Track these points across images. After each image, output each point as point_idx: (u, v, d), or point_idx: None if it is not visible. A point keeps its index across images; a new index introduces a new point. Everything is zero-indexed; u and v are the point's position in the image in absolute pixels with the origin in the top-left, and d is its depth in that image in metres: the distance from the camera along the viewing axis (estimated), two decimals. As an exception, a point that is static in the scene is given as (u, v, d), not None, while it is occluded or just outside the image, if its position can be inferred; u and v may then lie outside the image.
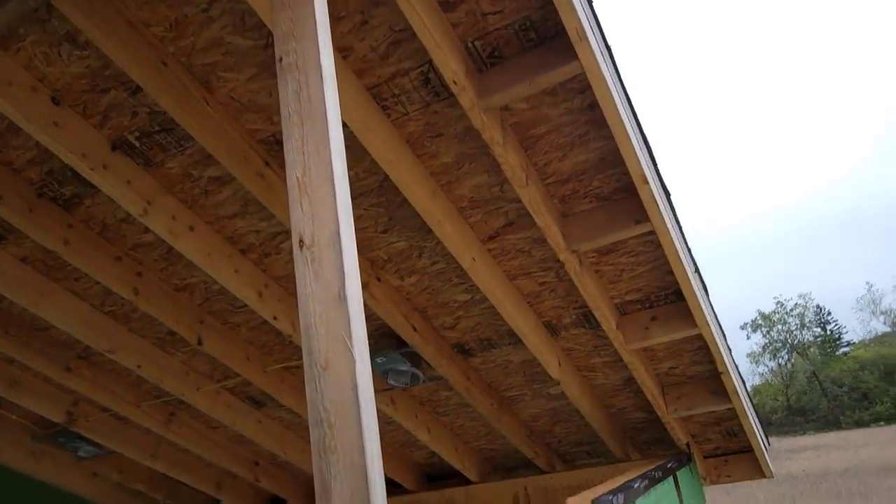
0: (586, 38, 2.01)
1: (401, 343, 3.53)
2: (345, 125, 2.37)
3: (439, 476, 5.22)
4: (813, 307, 67.50)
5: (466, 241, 2.87)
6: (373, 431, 1.15)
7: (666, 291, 3.23)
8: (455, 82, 2.15)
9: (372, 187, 2.80)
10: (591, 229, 2.76)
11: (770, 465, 4.39)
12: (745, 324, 68.74)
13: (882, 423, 47.35)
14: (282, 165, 2.69)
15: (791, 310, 66.78)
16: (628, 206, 2.72)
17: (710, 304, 3.26)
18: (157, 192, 2.79)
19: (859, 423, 48.97)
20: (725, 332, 3.62)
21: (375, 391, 3.54)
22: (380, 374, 3.68)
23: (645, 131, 2.53)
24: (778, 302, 68.49)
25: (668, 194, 2.73)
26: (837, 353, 62.72)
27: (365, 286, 3.11)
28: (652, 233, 2.81)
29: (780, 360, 65.38)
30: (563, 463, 4.83)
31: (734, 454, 4.55)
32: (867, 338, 66.25)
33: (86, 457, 4.77)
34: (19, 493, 5.16)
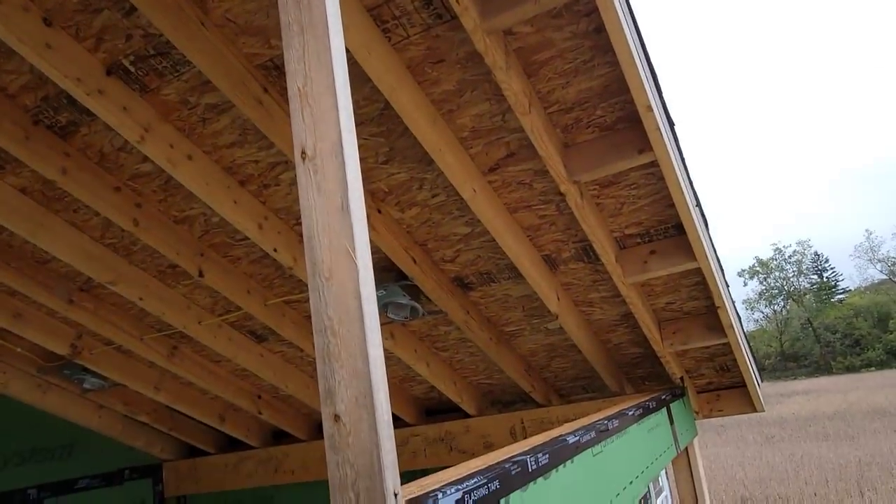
0: (594, -45, 1.95)
1: (400, 276, 3.56)
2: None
3: (438, 410, 5.34)
4: (811, 254, 67.83)
5: (467, 172, 2.85)
6: (376, 339, 1.17)
7: (666, 225, 3.23)
8: (458, 2, 2.09)
9: (372, 115, 2.76)
10: (593, 159, 2.74)
11: (761, 399, 4.49)
12: (743, 270, 69.24)
13: (873, 368, 48.26)
14: (281, 92, 2.65)
15: (789, 257, 67.15)
16: (631, 136, 2.69)
17: (710, 239, 3.26)
18: (154, 120, 2.75)
19: (850, 369, 49.93)
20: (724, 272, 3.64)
21: None
22: (380, 308, 3.72)
23: (651, 58, 2.48)
24: (776, 249, 68.85)
25: (671, 124, 2.70)
26: (833, 300, 63.34)
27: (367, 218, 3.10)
28: (654, 164, 2.79)
29: (775, 307, 66.16)
30: (559, 397, 4.94)
31: (727, 389, 4.65)
32: (863, 285, 66.81)
33: (91, 389, 4.86)
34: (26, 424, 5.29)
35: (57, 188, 3.16)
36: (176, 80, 2.64)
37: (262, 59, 2.54)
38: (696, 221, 2.95)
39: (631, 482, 2.66)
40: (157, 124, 2.76)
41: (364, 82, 2.56)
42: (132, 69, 2.60)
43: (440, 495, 1.34)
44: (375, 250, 3.48)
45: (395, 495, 1.11)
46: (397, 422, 5.32)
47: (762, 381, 4.72)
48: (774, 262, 67.91)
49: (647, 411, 3.19)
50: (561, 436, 2.04)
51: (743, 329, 4.11)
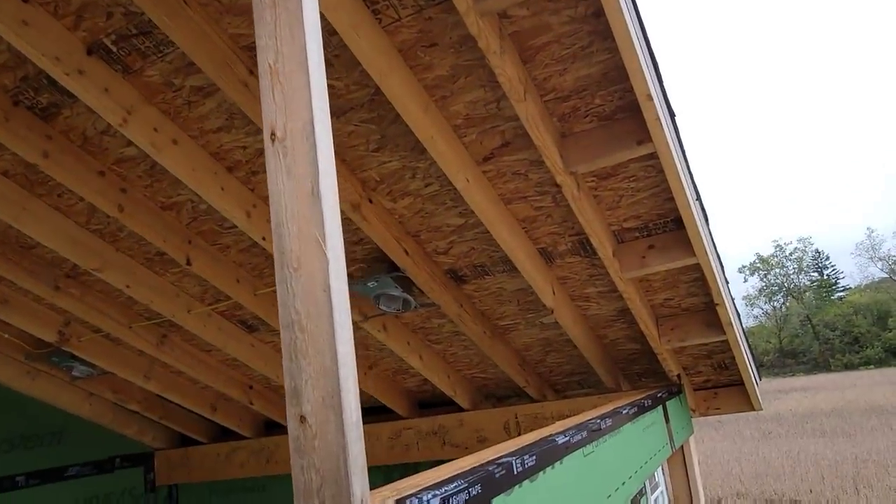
0: (593, -66, 1.85)
1: (392, 267, 3.47)
2: (333, 30, 2.23)
3: (432, 404, 5.27)
4: (812, 252, 67.73)
5: (461, 161, 2.76)
6: (346, 335, 1.08)
7: (665, 219, 3.14)
8: (450, -18, 2.00)
9: (363, 101, 2.67)
10: (591, 150, 2.65)
11: (759, 397, 4.41)
12: (743, 266, 69.17)
13: (872, 366, 48.25)
14: (268, 75, 2.55)
15: (790, 254, 67.06)
16: (630, 126, 2.60)
17: (710, 234, 3.18)
18: (138, 102, 2.66)
19: (848, 367, 49.93)
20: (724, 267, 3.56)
21: (367, 317, 3.49)
22: (371, 299, 3.64)
23: (652, 44, 2.39)
24: (777, 246, 68.71)
25: (672, 115, 2.60)
26: (833, 297, 63.27)
27: (356, 207, 3.02)
28: (654, 156, 2.70)
29: (775, 304, 66.12)
30: (554, 393, 4.87)
31: (724, 387, 4.58)
32: (864, 283, 66.72)
33: (80, 376, 4.79)
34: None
35: (40, 172, 3.08)
36: (160, 60, 2.55)
37: (247, 40, 2.45)
38: (696, 216, 2.87)
39: (624, 483, 2.59)
40: (140, 107, 2.67)
41: (354, 66, 2.47)
42: (114, 49, 2.51)
43: (416, 502, 1.26)
44: (368, 241, 3.40)
45: (363, 502, 1.04)
46: (390, 414, 5.26)
47: (760, 378, 4.65)
48: (775, 259, 67.82)
49: (641, 409, 3.11)
50: (550, 436, 1.97)
51: (742, 326, 4.03)
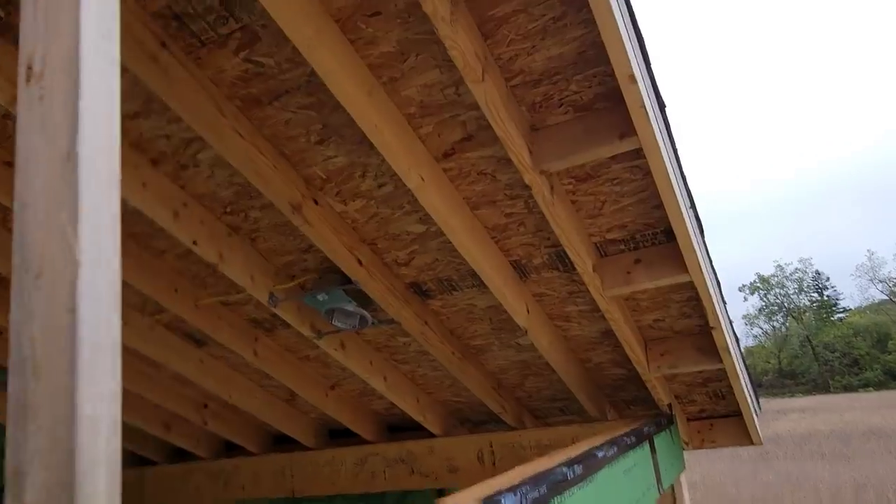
0: None
1: (347, 279, 3.07)
2: (251, -9, 1.84)
3: (402, 427, 4.84)
4: (812, 272, 67.40)
5: (413, 155, 2.36)
6: (101, 387, 0.67)
7: (654, 230, 2.74)
8: (383, -75, 1.61)
9: (299, 83, 2.27)
10: (565, 145, 2.25)
11: (759, 431, 3.99)
12: (744, 286, 68.77)
13: (871, 388, 47.76)
14: (186, 49, 2.16)
15: (791, 274, 66.71)
16: (612, 118, 2.20)
17: (706, 247, 2.77)
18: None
19: (848, 388, 49.47)
20: (721, 287, 3.15)
21: (321, 333, 3.05)
22: (324, 315, 3.23)
23: (637, 17, 1.99)
24: (778, 266, 68.36)
25: (662, 105, 2.21)
26: (833, 318, 62.92)
27: (296, 209, 2.61)
28: (639, 154, 2.31)
29: (774, 324, 65.67)
30: (533, 419, 4.44)
31: (721, 418, 4.15)
32: (864, 304, 66.38)
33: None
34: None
35: (-64, 160, 2.67)
36: (56, 28, 2.15)
37: (157, 5, 2.06)
38: (689, 226, 2.46)
39: (597, 541, 2.16)
40: (37, 84, 2.27)
41: (285, 39, 2.07)
42: (2, 15, 2.12)
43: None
44: (315, 248, 2.99)
45: None
46: (356, 438, 4.83)
47: (761, 409, 4.23)
48: (775, 279, 67.47)
49: (623, 448, 2.69)
50: (494, 495, 1.55)
51: (741, 352, 3.61)
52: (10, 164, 2.72)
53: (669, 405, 3.83)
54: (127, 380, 4.24)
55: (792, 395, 50.06)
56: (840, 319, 61.43)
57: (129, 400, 4.77)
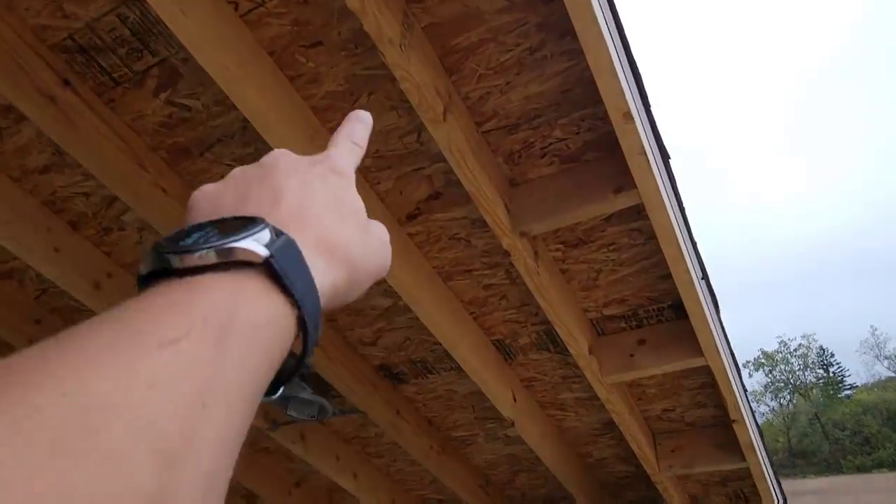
0: None
1: (299, 362, 2.62)
2: (159, 19, 1.50)
3: (379, 529, 4.25)
4: (816, 348, 66.43)
5: (370, 216, 1.97)
6: None
7: (660, 305, 2.32)
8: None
9: (233, 130, 1.91)
10: (550, 202, 1.87)
11: (789, 539, 3.43)
12: (748, 362, 67.62)
13: (885, 469, 46.06)
14: (95, 87, 1.82)
15: (795, 350, 65.70)
16: (606, 170, 1.83)
17: (722, 326, 2.35)
18: (-83, 124, 1.91)
19: (861, 469, 47.72)
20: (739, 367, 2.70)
21: (277, 424, 2.58)
22: (278, 404, 2.76)
23: (632, 49, 1.65)
24: (781, 342, 67.36)
25: (665, 155, 1.84)
26: (840, 395, 61.64)
27: (235, 279, 2.20)
28: (640, 212, 1.92)
29: (781, 401, 64.20)
30: (527, 522, 3.88)
31: (743, 522, 3.60)
32: (870, 381, 65.19)
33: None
34: None
35: None
36: (-58, 65, 1.81)
37: (58, 36, 1.72)
38: (702, 300, 2.05)
39: None
40: (-79, 131, 1.92)
41: (211, 79, 1.72)
42: None
43: None
44: (263, 325, 2.56)
45: None
46: (327, 543, 4.23)
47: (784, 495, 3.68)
48: (780, 355, 66.38)
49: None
50: None
51: (764, 445, 3.12)
52: None
53: (683, 508, 3.30)
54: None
55: (804, 476, 48.13)
56: (847, 396, 60.02)
57: None
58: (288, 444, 3.09)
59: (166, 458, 0.24)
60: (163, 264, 0.33)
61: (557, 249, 2.16)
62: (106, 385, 0.24)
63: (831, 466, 50.65)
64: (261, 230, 0.35)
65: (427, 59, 1.58)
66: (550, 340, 2.53)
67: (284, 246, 0.35)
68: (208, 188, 0.45)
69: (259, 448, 3.57)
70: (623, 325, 2.41)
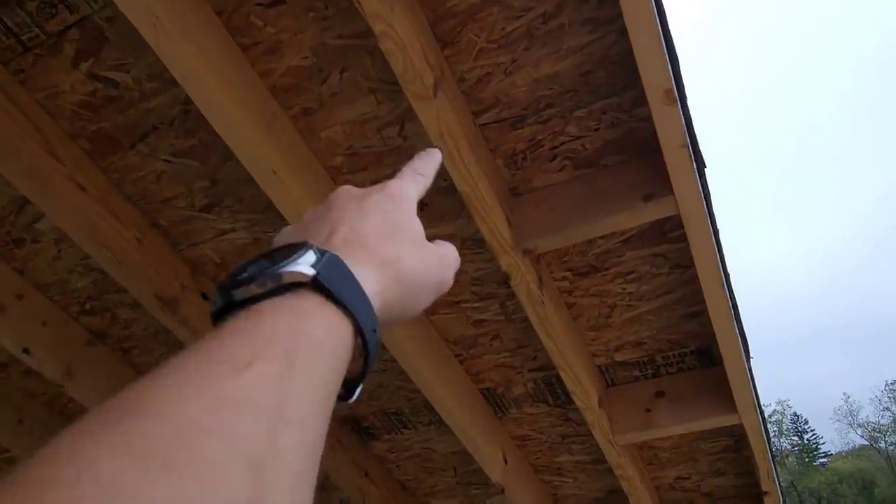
0: None
1: (248, 410, 2.19)
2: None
3: None
4: (791, 414, 66.26)
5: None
6: None
7: (681, 350, 1.95)
8: None
9: (172, 113, 1.55)
10: (561, 213, 1.51)
11: None
12: (723, 426, 66.98)
13: (865, 540, 45.36)
14: (16, 72, 1.45)
15: (769, 416, 65.46)
16: (630, 176, 1.49)
17: (753, 379, 1.98)
18: None
19: (841, 540, 46.94)
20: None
21: None
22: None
23: (670, 29, 1.33)
24: (756, 406, 67.02)
25: (701, 164, 1.50)
26: (815, 463, 61.29)
27: (171, 305, 1.80)
28: (664, 233, 1.58)
29: (758, 467, 63.39)
30: None
31: None
32: (844, 450, 65.00)
33: None
34: None
35: None
36: None
37: (-50, -19, 1.36)
38: (739, 345, 1.69)
39: None
40: None
41: (142, 45, 1.36)
42: None
43: None
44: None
45: None
46: None
47: None
48: (756, 419, 65.97)
49: None
50: None
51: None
52: None
53: None
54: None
55: (783, 547, 47.07)
56: (822, 464, 59.58)
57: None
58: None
59: (257, 466, 0.28)
60: (228, 300, 0.38)
61: (564, 278, 1.79)
62: (197, 409, 0.29)
63: (809, 536, 49.69)
64: (305, 252, 0.39)
65: (415, 18, 1.24)
66: (550, 391, 2.13)
67: (329, 262, 0.39)
68: (286, 231, 0.50)
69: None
70: (637, 373, 2.03)
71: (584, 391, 1.85)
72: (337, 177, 1.62)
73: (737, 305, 1.82)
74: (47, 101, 1.54)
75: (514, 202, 1.58)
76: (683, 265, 1.70)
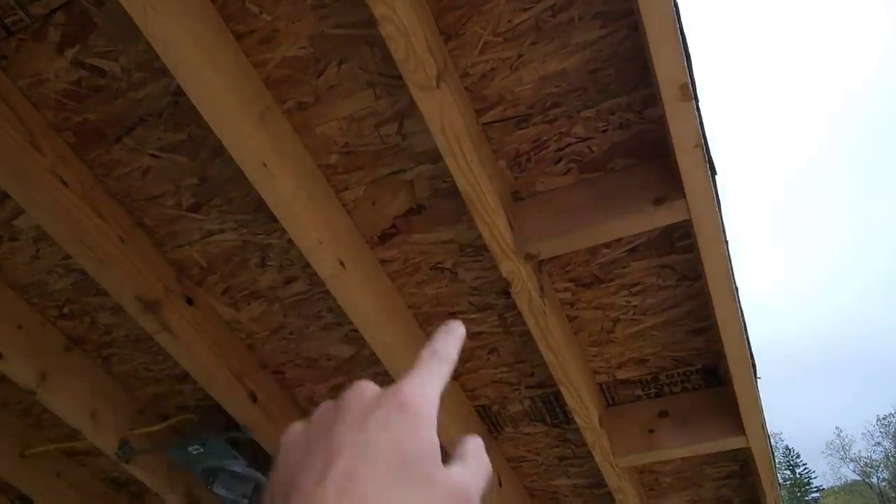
0: None
1: (231, 423, 2.09)
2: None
3: None
4: (783, 448, 65.80)
5: (328, 226, 1.53)
6: None
7: (687, 368, 1.87)
8: None
9: (161, 105, 1.48)
10: (567, 217, 1.44)
11: None
12: (715, 458, 66.47)
13: (858, 578, 44.81)
14: (-19, 39, 1.38)
15: (762, 448, 64.89)
16: (639, 181, 1.42)
17: (760, 400, 1.90)
18: None
19: (835, 578, 46.39)
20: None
21: (131, 448, 2.01)
22: (200, 477, 2.20)
23: (685, 29, 1.28)
24: (748, 438, 66.58)
25: (713, 169, 1.44)
26: (807, 497, 60.72)
27: (152, 307, 1.71)
28: (675, 242, 1.51)
29: (750, 501, 62.84)
30: None
31: None
32: (836, 485, 64.48)
33: None
34: None
35: None
36: None
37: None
38: (749, 362, 1.61)
39: None
40: None
41: (131, 30, 1.30)
42: None
43: None
44: (182, 375, 2.05)
45: None
46: None
47: None
48: (748, 452, 65.47)
49: None
50: None
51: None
52: None
53: None
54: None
55: (775, 584, 46.42)
56: (814, 499, 59.02)
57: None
58: (212, 530, 2.48)
59: None
60: None
61: (566, 289, 1.72)
62: None
63: (802, 573, 49.02)
64: None
65: (419, 4, 1.18)
66: (548, 409, 2.04)
67: None
68: (296, 429, 0.43)
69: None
70: (639, 392, 1.94)
71: (585, 409, 1.76)
72: (331, 177, 1.55)
73: (745, 321, 1.74)
74: (30, 89, 1.47)
75: (516, 206, 1.51)
76: (691, 277, 1.63)
